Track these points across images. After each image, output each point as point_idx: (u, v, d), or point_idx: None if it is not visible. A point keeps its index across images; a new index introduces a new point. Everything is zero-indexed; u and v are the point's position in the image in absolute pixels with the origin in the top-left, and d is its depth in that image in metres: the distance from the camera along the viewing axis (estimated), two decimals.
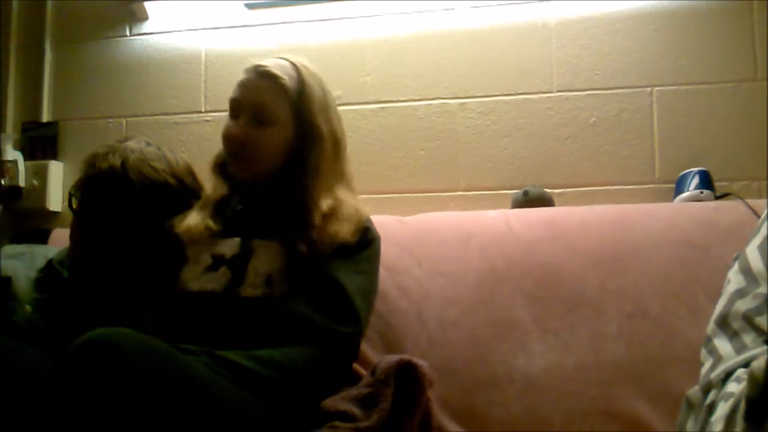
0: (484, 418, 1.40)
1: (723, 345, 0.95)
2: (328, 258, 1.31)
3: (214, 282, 1.33)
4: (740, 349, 0.92)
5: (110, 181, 1.44)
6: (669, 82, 1.82)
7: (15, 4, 2.20)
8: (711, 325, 1.00)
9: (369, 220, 1.43)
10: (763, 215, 1.04)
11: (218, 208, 1.44)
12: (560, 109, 1.86)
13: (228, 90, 1.42)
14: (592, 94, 1.85)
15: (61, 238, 1.80)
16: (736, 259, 1.03)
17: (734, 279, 1.00)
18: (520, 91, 1.89)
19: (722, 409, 0.85)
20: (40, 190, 2.08)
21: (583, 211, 1.63)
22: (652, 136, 1.82)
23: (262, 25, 2.05)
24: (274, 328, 1.26)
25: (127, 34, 2.15)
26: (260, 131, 1.37)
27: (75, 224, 1.52)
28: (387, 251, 1.48)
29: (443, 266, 1.56)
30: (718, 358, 0.95)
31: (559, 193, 1.83)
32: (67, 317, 1.44)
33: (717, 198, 1.69)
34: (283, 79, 1.37)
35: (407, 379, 1.18)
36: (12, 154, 2.09)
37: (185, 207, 1.46)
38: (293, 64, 1.41)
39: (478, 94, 1.91)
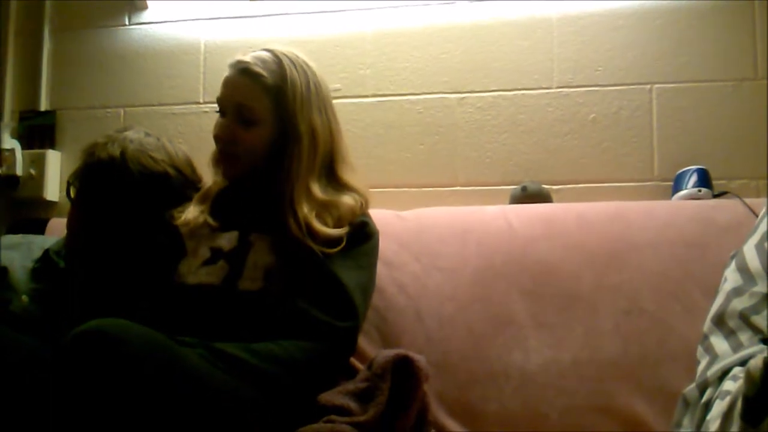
0: (481, 413, 1.40)
1: (719, 343, 0.95)
2: (324, 253, 1.30)
3: (213, 275, 1.32)
4: (736, 347, 0.93)
5: (109, 171, 1.44)
6: (669, 79, 1.82)
7: None
8: (707, 323, 1.00)
9: (367, 215, 1.42)
10: (761, 214, 1.04)
11: (217, 202, 1.44)
12: (560, 105, 1.86)
13: None
14: (591, 90, 1.85)
15: (58, 228, 1.80)
16: (733, 257, 1.03)
17: (731, 277, 1.00)
18: (519, 87, 1.89)
19: (718, 408, 0.85)
20: (38, 180, 2.07)
21: (581, 208, 1.63)
22: (651, 134, 1.81)
23: (262, 16, 2.04)
24: (271, 321, 1.26)
25: (126, 23, 2.14)
26: (245, 130, 1.35)
27: (72, 214, 1.52)
28: (385, 246, 1.48)
29: (441, 262, 1.56)
30: (714, 357, 0.95)
31: (557, 189, 1.82)
32: (63, 307, 1.44)
33: (715, 196, 1.69)
34: (263, 76, 1.34)
35: (404, 373, 1.18)
36: (9, 142, 2.08)
37: (184, 198, 1.46)
38: (276, 57, 1.37)
39: (477, 89, 1.91)
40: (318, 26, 2.01)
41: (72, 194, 1.50)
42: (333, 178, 1.42)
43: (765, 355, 0.70)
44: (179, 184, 1.48)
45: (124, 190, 1.44)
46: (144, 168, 1.45)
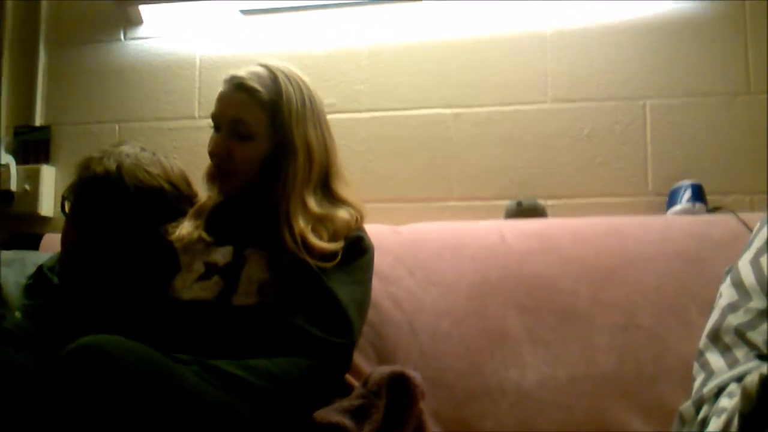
0: (477, 430, 1.39)
1: (715, 359, 0.95)
2: (320, 267, 1.30)
3: (207, 290, 1.32)
4: (732, 363, 0.92)
5: (105, 185, 1.44)
6: (663, 94, 1.83)
7: (9, 6, 2.19)
8: (703, 339, 1.00)
9: (362, 229, 1.42)
10: (755, 228, 1.05)
11: (212, 216, 1.44)
12: (554, 120, 1.87)
13: None
14: (586, 105, 1.86)
15: (52, 243, 1.79)
16: (728, 272, 1.03)
17: (726, 293, 1.00)
18: (514, 102, 1.89)
19: (715, 425, 0.84)
20: (32, 195, 2.06)
21: (576, 223, 1.63)
22: (645, 148, 1.82)
23: (257, 31, 2.05)
24: (266, 336, 1.25)
25: (122, 38, 2.14)
26: (240, 145, 1.36)
27: (67, 229, 1.51)
28: (380, 261, 1.47)
29: (436, 277, 1.55)
30: (710, 373, 0.95)
31: (552, 204, 1.83)
32: (57, 323, 1.43)
33: (709, 211, 1.69)
34: (259, 91, 1.34)
35: (399, 390, 1.18)
36: (4, 157, 2.08)
37: (179, 213, 1.45)
38: (272, 72, 1.37)
39: (472, 104, 1.91)
40: (313, 41, 2.01)
41: (67, 209, 1.49)
42: (328, 193, 1.42)
43: (761, 371, 0.70)
44: (174, 198, 1.48)
45: (120, 204, 1.43)
46: (139, 182, 1.45)
